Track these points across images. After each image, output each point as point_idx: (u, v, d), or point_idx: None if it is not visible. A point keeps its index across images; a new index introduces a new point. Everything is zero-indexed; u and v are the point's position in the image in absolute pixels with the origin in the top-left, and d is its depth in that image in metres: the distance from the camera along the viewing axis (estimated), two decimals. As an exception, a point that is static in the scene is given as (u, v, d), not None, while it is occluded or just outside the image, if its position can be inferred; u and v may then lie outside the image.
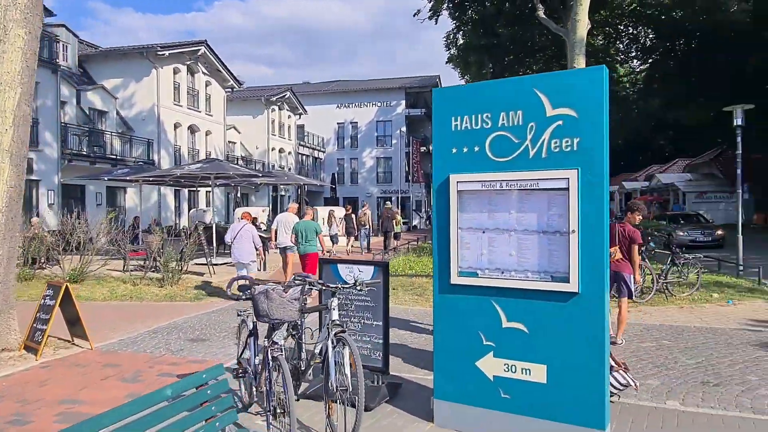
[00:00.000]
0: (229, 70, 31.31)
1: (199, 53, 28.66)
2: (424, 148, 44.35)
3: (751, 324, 7.67)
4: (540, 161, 3.77)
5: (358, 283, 4.06)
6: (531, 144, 3.80)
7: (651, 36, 28.99)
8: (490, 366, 3.95)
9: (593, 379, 3.61)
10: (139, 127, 25.74)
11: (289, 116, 42.21)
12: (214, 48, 29.62)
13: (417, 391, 4.86)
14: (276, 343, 3.66)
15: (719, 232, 20.10)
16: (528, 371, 3.81)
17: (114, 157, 23.27)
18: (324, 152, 48.40)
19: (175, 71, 27.62)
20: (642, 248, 10.89)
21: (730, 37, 25.73)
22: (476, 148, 4.01)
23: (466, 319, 4.05)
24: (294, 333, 4.11)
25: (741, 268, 11.82)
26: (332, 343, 3.82)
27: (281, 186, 36.19)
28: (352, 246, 21.33)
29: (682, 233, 19.59)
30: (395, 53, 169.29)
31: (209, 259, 12.99)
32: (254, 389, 4.13)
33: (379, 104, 46.33)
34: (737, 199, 12.30)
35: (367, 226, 21.40)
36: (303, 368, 4.22)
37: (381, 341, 4.70)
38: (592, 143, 3.61)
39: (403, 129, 44.95)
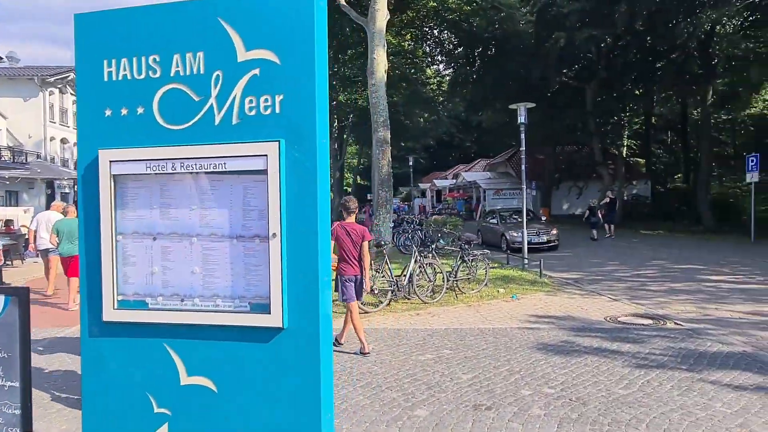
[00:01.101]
0: (-18, 39, 25.43)
1: (-66, 14, 22.69)
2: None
3: (531, 321, 7.49)
4: (230, 129, 2.48)
5: None
6: (217, 103, 2.49)
7: (454, 42, 30.59)
8: (165, 446, 2.57)
9: (311, 450, 2.43)
10: None
11: (74, 101, 36.32)
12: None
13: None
14: None
15: (554, 231, 17.37)
16: (217, 450, 2.50)
17: None
18: (122, 144, 42.79)
19: None
20: (432, 245, 10.60)
21: (519, 47, 28.14)
22: (140, 110, 2.58)
23: (128, 375, 2.61)
24: None
25: (526, 262, 12.24)
26: None
27: (62, 182, 30.83)
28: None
29: (515, 234, 16.07)
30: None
31: None
32: None
33: (187, 93, 42.38)
34: (523, 193, 12.77)
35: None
36: None
37: (18, 411, 3.02)
38: (301, 104, 2.42)
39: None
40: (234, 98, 2.47)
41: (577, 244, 19.21)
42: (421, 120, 45.06)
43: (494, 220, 19.19)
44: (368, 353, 5.85)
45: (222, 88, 2.48)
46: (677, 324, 7.19)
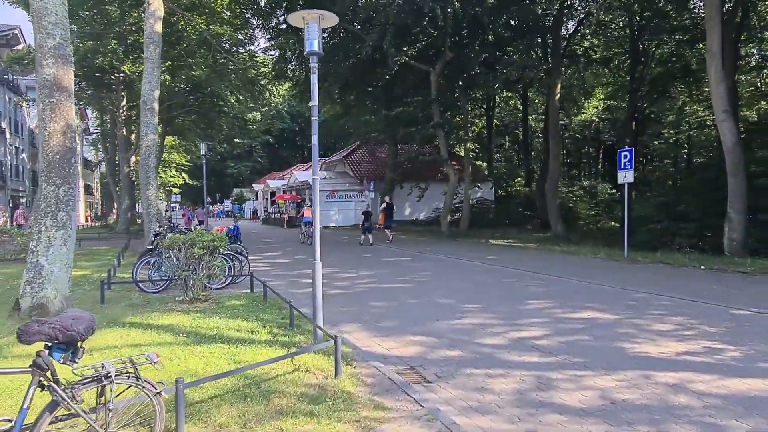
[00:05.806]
0: None
1: None
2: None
3: None
4: None
5: None
6: None
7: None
8: None
9: None
10: None
11: None
12: None
13: None
14: None
15: None
16: None
17: None
18: None
19: None
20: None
21: (348, 13, 22.56)
22: None
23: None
24: None
25: (320, 331, 6.02)
26: None
27: None
28: None
29: None
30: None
31: None
32: None
33: None
34: (315, 187, 6.65)
35: None
36: None
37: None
38: None
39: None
40: None
41: (428, 262, 13.86)
42: (254, 110, 37.89)
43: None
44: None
45: None
46: None
